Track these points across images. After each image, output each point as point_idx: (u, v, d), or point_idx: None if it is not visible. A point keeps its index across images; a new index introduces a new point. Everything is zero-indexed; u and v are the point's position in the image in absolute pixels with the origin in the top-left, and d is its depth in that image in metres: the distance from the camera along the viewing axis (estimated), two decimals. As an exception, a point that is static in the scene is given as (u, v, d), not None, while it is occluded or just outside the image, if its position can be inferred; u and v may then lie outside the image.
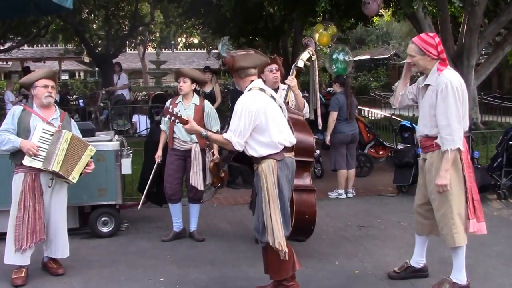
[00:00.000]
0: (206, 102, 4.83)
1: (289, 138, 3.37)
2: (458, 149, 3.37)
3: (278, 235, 3.19)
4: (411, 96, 3.74)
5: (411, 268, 3.79)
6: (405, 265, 3.82)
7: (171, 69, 24.34)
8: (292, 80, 4.24)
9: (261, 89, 3.38)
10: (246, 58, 3.38)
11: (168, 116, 3.27)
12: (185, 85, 4.71)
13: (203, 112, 4.73)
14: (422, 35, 3.58)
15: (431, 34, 3.56)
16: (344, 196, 6.37)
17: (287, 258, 3.25)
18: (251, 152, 3.29)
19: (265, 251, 3.38)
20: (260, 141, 3.28)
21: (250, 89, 3.35)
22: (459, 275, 3.52)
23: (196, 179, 4.68)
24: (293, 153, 3.42)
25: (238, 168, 3.44)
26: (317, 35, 9.61)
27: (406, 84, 3.75)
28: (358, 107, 12.76)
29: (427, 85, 3.51)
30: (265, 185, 3.23)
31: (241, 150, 3.27)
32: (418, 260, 3.80)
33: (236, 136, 3.22)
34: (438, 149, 3.42)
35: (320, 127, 4.49)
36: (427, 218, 3.67)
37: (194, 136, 4.63)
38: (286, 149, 3.33)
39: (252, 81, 3.39)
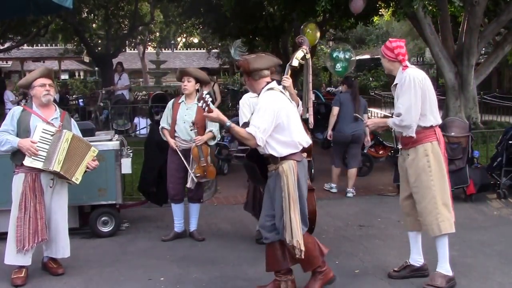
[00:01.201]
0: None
1: (306, 138, 3.49)
2: (437, 141, 3.62)
3: (296, 234, 3.29)
4: None
5: (411, 267, 3.81)
6: (404, 264, 3.85)
7: (171, 69, 24.35)
8: (287, 80, 4.27)
9: (280, 91, 3.49)
10: (259, 60, 3.47)
11: (201, 101, 3.27)
12: (189, 85, 4.71)
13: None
14: (386, 42, 3.85)
15: (394, 40, 3.81)
16: (335, 190, 6.52)
17: (303, 257, 3.36)
18: (271, 152, 3.34)
19: (279, 247, 3.46)
20: (280, 140, 3.35)
21: (269, 89, 3.42)
22: (446, 265, 3.60)
23: (190, 180, 4.68)
24: (306, 154, 3.53)
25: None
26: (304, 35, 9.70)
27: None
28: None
29: (395, 85, 3.74)
30: (286, 185, 3.31)
31: (262, 146, 3.32)
32: (416, 258, 3.82)
33: (261, 132, 3.26)
34: (419, 145, 3.62)
35: (311, 126, 4.51)
36: (409, 214, 3.81)
37: (193, 135, 4.63)
38: (302, 149, 3.45)
39: (267, 82, 3.47)
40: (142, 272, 4.07)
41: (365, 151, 7.83)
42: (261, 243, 4.67)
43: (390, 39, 3.90)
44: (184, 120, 4.70)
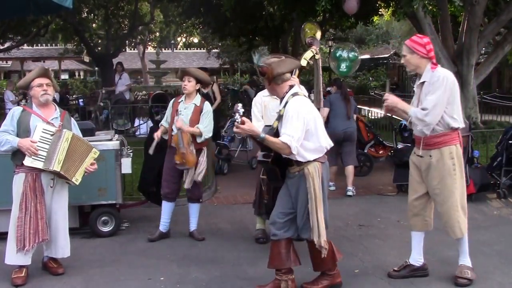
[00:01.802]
0: (206, 104, 4.80)
1: (329, 141, 3.53)
2: (460, 144, 3.58)
3: (323, 234, 3.38)
4: None
5: (411, 267, 3.81)
6: (404, 264, 3.84)
7: (171, 69, 24.35)
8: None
9: (303, 95, 3.51)
10: (282, 64, 3.44)
11: (237, 113, 3.26)
12: (190, 85, 4.71)
13: (200, 112, 4.72)
14: (413, 36, 3.75)
15: (421, 36, 3.72)
16: (333, 187, 6.59)
17: (326, 256, 3.45)
18: (298, 159, 3.35)
19: (285, 244, 3.51)
20: (309, 148, 3.37)
21: (295, 94, 3.41)
22: (468, 259, 3.69)
23: (190, 178, 4.67)
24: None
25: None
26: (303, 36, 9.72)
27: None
28: (358, 106, 12.78)
29: (422, 83, 3.63)
30: (312, 187, 3.36)
31: (296, 154, 3.31)
32: (417, 258, 3.82)
33: (295, 140, 3.26)
34: (444, 146, 3.56)
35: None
36: (417, 214, 3.77)
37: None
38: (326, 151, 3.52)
39: (290, 86, 3.46)
40: (142, 271, 4.07)
41: (365, 150, 7.85)
42: (261, 242, 4.68)
43: (417, 34, 3.82)
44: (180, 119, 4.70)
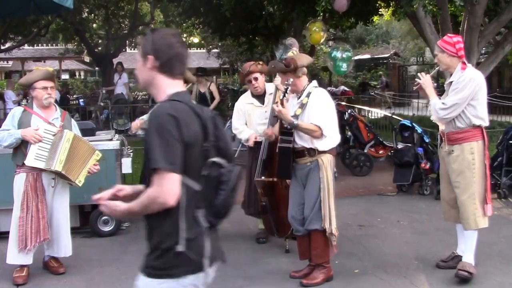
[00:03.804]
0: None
1: (338, 135, 3.73)
2: (483, 141, 3.70)
3: (334, 222, 3.61)
4: None
5: (458, 257, 3.87)
6: (452, 255, 3.94)
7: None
8: (277, 80, 4.32)
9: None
10: (302, 58, 3.75)
11: (284, 91, 3.54)
12: None
13: None
14: (445, 36, 3.89)
15: (452, 35, 3.85)
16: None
17: (334, 243, 3.66)
18: (317, 146, 3.55)
19: (309, 238, 3.68)
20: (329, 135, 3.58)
21: (316, 87, 3.66)
22: (472, 256, 3.73)
23: None
24: None
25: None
26: (309, 34, 9.71)
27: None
28: (359, 106, 12.78)
29: (451, 82, 3.75)
30: (325, 177, 3.56)
31: (323, 138, 3.54)
32: (462, 247, 3.88)
33: (326, 127, 3.50)
34: (465, 142, 3.69)
35: None
36: (454, 207, 3.85)
37: None
38: None
39: (308, 80, 3.69)
40: (142, 271, 4.07)
41: (365, 150, 7.85)
42: (261, 242, 4.68)
43: (448, 34, 3.95)
44: None
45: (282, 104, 3.51)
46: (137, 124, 4.70)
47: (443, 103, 3.68)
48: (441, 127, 3.87)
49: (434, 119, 3.83)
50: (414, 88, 3.94)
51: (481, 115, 3.70)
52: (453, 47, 3.68)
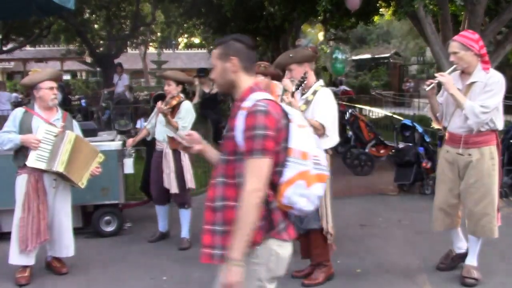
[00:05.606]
0: (185, 103, 4.65)
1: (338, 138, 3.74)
2: (497, 146, 3.59)
3: (330, 221, 3.65)
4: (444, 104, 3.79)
5: (458, 255, 3.87)
6: (449, 253, 3.92)
7: (172, 69, 24.31)
8: (285, 81, 4.32)
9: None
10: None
11: (298, 83, 3.50)
12: (170, 88, 4.66)
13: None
14: (463, 32, 3.60)
15: (471, 31, 3.63)
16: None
17: (332, 242, 3.70)
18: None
19: (308, 237, 3.70)
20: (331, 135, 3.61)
21: (322, 86, 3.69)
22: (475, 259, 3.70)
23: (168, 181, 4.54)
24: None
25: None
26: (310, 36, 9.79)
27: (438, 105, 3.79)
28: (359, 106, 12.78)
29: (473, 83, 3.52)
30: None
31: (326, 137, 3.55)
32: (459, 245, 3.87)
33: (329, 126, 3.51)
34: (484, 146, 3.54)
35: None
36: (449, 214, 3.75)
37: (165, 137, 4.57)
38: None
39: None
40: (144, 271, 4.09)
41: (367, 150, 7.86)
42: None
43: (466, 29, 3.74)
44: (161, 121, 4.61)
45: (293, 96, 3.49)
46: (130, 143, 4.83)
47: (482, 106, 3.40)
48: (450, 127, 3.64)
49: (472, 125, 3.48)
50: (426, 89, 3.59)
51: (500, 119, 3.57)
52: (477, 44, 3.44)
